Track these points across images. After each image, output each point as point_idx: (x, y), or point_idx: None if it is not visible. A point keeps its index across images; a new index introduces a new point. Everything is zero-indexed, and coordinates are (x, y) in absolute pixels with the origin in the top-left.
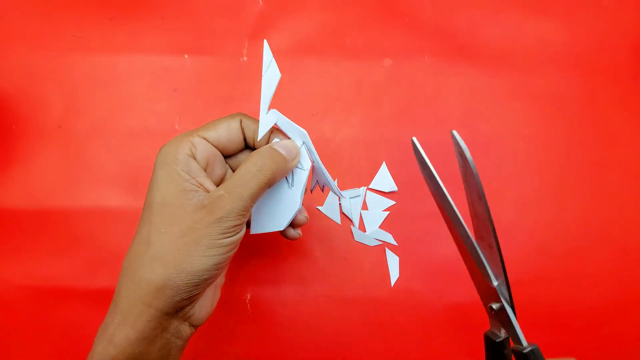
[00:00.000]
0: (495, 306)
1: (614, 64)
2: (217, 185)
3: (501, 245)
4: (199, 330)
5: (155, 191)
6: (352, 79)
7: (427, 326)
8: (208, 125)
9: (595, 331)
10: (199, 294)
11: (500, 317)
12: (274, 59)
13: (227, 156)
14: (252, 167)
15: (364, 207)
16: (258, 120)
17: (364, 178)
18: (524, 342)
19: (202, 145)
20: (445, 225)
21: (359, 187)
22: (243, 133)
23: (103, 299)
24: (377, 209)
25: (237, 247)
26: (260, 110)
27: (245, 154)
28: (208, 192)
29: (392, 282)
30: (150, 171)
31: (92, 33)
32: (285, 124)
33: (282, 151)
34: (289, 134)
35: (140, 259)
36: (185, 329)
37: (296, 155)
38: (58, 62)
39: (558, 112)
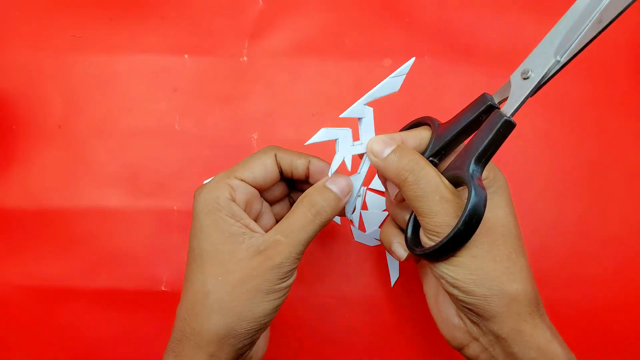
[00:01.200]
0: (533, 74)
1: (614, 64)
2: (256, 221)
3: None
4: None
5: (203, 240)
6: (352, 79)
7: (427, 326)
8: (243, 164)
9: (596, 332)
10: (259, 336)
11: (519, 86)
12: (405, 76)
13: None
14: (308, 212)
15: (364, 207)
16: (291, 151)
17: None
18: (510, 113)
19: (241, 187)
20: None
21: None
22: (279, 166)
23: (103, 299)
24: (377, 209)
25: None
26: (362, 98)
27: (281, 185)
28: (254, 232)
29: (392, 282)
30: (149, 172)
31: (92, 33)
32: (368, 123)
33: (335, 190)
34: (361, 135)
35: (199, 310)
36: None
37: (349, 191)
38: (58, 62)
39: (558, 112)
